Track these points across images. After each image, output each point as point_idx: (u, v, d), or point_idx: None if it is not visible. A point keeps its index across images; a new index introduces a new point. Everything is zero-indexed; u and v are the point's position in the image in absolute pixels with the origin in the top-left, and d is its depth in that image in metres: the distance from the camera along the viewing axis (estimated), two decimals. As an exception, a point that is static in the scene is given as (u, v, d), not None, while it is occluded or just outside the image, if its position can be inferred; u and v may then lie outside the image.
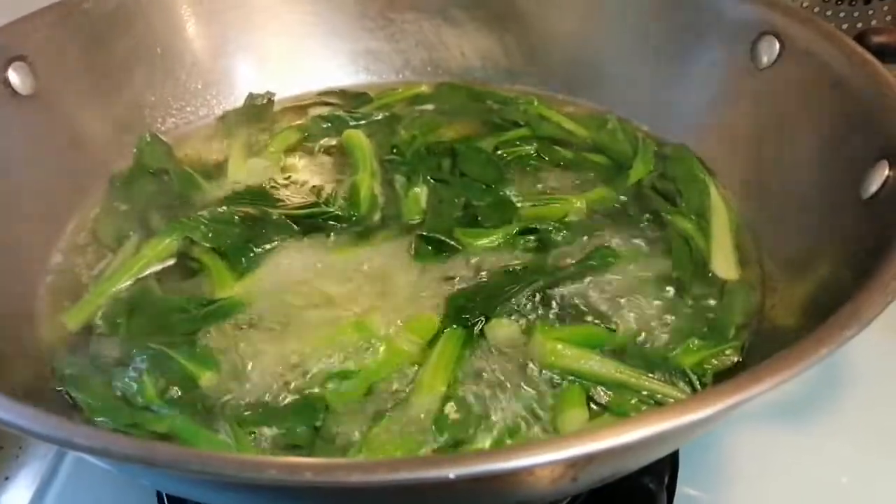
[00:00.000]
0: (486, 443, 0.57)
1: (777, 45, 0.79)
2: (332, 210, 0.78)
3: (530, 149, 0.89)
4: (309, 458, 0.52)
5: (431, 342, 0.64)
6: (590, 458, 0.39)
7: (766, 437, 0.77)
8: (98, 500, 0.75)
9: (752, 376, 0.41)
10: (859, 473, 0.76)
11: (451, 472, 0.36)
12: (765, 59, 0.80)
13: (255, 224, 0.76)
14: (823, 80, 0.73)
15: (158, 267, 0.73)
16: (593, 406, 0.60)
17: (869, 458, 0.77)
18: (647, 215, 0.78)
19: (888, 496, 0.74)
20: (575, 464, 0.39)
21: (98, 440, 0.39)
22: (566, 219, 0.78)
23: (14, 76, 0.77)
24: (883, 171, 0.62)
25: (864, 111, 0.67)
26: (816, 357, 0.43)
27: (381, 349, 0.63)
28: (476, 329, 0.65)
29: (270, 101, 0.98)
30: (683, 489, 0.73)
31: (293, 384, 0.61)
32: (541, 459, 0.37)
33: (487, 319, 0.65)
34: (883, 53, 0.76)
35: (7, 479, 0.78)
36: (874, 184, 0.62)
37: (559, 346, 0.62)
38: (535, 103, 0.97)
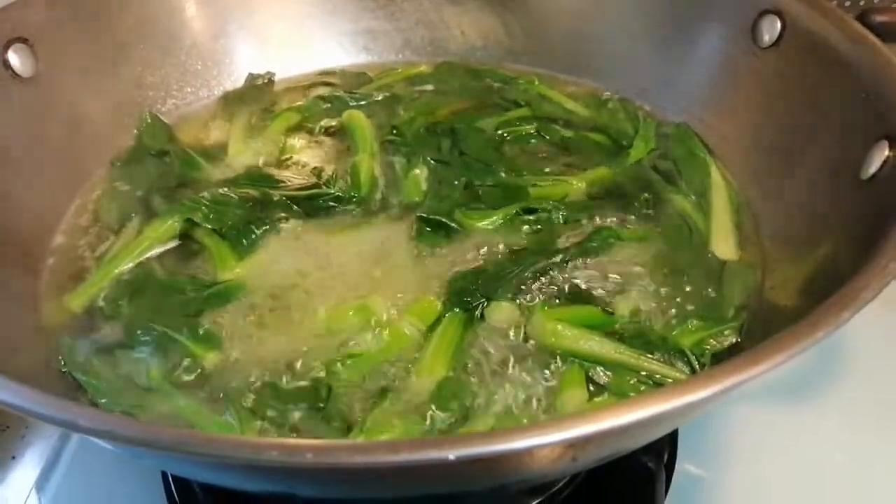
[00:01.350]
0: (486, 423, 0.58)
1: (778, 24, 0.78)
2: (332, 191, 0.78)
3: (530, 128, 0.89)
4: (310, 440, 0.52)
5: (433, 325, 0.64)
6: (589, 439, 0.39)
7: (765, 416, 0.78)
8: (103, 479, 0.76)
9: (749, 358, 0.42)
10: (856, 451, 0.77)
11: (451, 454, 0.37)
12: (766, 38, 0.80)
13: (256, 206, 0.76)
14: (825, 59, 0.73)
15: (160, 249, 0.74)
16: (592, 386, 0.60)
17: (865, 437, 0.78)
18: (647, 195, 0.78)
19: (883, 474, 0.75)
20: (574, 444, 0.40)
21: (102, 422, 0.39)
22: (566, 199, 0.78)
23: (14, 58, 0.77)
24: (883, 152, 0.62)
25: (865, 91, 0.67)
26: (813, 339, 0.44)
27: (384, 333, 0.63)
28: (477, 312, 0.65)
29: (271, 82, 0.98)
30: (683, 466, 0.74)
31: (296, 366, 0.62)
32: (540, 441, 0.38)
33: (488, 302, 0.65)
34: (885, 32, 0.75)
35: (13, 458, 0.79)
36: (874, 164, 0.62)
37: (559, 327, 0.62)
38: (536, 83, 0.97)
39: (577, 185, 0.80)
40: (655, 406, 0.40)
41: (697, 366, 0.61)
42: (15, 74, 0.77)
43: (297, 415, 0.58)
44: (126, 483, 0.75)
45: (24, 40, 0.78)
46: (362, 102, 0.93)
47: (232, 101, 0.94)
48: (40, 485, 0.77)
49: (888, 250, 0.50)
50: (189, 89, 0.95)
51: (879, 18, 0.77)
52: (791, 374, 0.82)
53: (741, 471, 0.75)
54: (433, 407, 0.58)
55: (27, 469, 0.78)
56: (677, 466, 0.73)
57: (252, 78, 0.97)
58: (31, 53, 0.78)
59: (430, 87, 0.97)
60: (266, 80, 0.97)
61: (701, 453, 0.76)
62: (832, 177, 0.68)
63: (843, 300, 0.46)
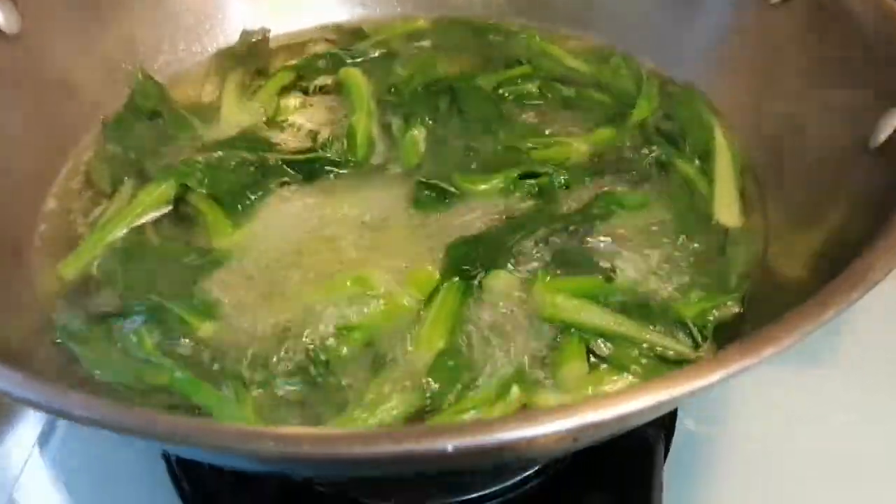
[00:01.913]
0: (485, 396, 0.57)
1: (789, -21, 0.76)
2: (328, 155, 0.76)
3: (532, 87, 0.87)
4: (307, 429, 0.52)
5: (431, 296, 0.63)
6: (590, 427, 0.38)
7: (767, 373, 0.77)
8: (105, 434, 0.76)
9: (753, 343, 0.41)
10: (859, 410, 0.77)
11: (450, 445, 0.36)
12: (776, -6, 0.78)
13: (251, 170, 0.75)
14: (835, 20, 0.71)
15: (154, 214, 0.72)
16: (593, 358, 0.60)
17: (869, 397, 0.78)
18: (650, 159, 0.76)
19: (886, 435, 0.75)
20: (574, 433, 0.39)
21: (95, 410, 0.39)
22: (568, 162, 0.77)
23: (-1, 15, 0.74)
24: (892, 120, 0.60)
25: (876, 56, 0.65)
26: (820, 321, 0.43)
27: (381, 304, 0.63)
28: (475, 281, 0.64)
29: (265, 38, 0.95)
30: (683, 423, 0.74)
31: (292, 338, 0.61)
32: (540, 431, 0.37)
33: (486, 271, 0.64)
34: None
35: (15, 415, 0.79)
36: (883, 132, 0.61)
37: (559, 299, 0.61)
38: (537, 38, 0.94)
39: (579, 148, 0.78)
40: (658, 394, 0.39)
41: (699, 337, 0.60)
42: (0, 32, 0.74)
43: (293, 388, 0.58)
44: (127, 443, 0.75)
45: (7, -5, 0.75)
46: (359, 60, 0.91)
47: (225, 59, 0.92)
48: (42, 441, 0.77)
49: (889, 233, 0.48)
50: (182, 46, 0.92)
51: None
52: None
53: (742, 428, 0.75)
54: (431, 379, 0.58)
55: (29, 426, 0.78)
56: (678, 424, 0.73)
57: (246, 34, 0.94)
58: (15, 9, 0.75)
59: (428, 44, 0.95)
60: (261, 37, 0.95)
61: (702, 410, 0.76)
62: (840, 144, 0.66)
63: (851, 279, 0.45)
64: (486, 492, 0.65)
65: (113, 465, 0.74)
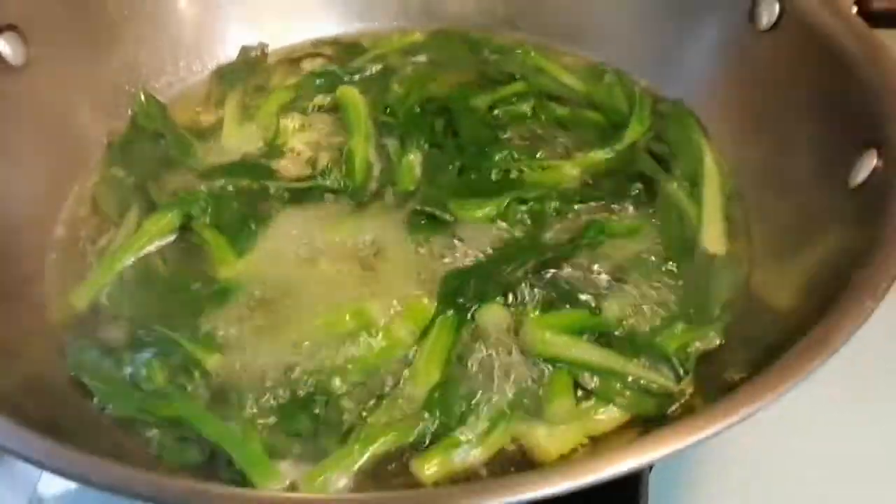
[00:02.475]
0: (478, 428, 0.60)
1: (777, 7, 0.78)
2: (327, 183, 0.79)
3: (526, 107, 0.88)
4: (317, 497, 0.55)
5: (426, 328, 0.66)
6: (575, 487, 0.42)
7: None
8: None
9: (711, 416, 0.44)
10: (847, 415, 0.79)
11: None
12: (765, 21, 0.79)
13: (253, 198, 0.77)
14: (822, 50, 0.72)
15: (160, 243, 0.75)
16: (580, 391, 0.63)
17: (857, 400, 0.79)
18: (640, 183, 0.78)
19: (877, 437, 0.77)
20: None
21: (105, 475, 0.42)
22: (560, 186, 0.79)
23: (5, 46, 0.76)
24: (871, 161, 0.62)
25: (859, 90, 0.67)
26: (772, 396, 0.46)
27: (380, 338, 0.65)
28: (468, 314, 0.67)
29: (264, 54, 0.97)
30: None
31: (294, 372, 0.64)
32: (530, 495, 0.40)
33: (479, 304, 0.67)
34: (884, 19, 0.75)
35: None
36: (862, 172, 0.63)
37: (548, 335, 0.64)
38: (532, 54, 0.96)
39: (571, 172, 0.80)
40: (644, 456, 0.42)
41: (682, 371, 0.63)
42: (7, 64, 0.76)
43: (297, 422, 0.61)
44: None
45: (13, 27, 0.77)
46: (356, 76, 0.93)
47: (225, 77, 0.94)
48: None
49: (866, 284, 0.51)
50: (182, 63, 0.94)
51: (878, 4, 0.76)
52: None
53: (735, 428, 0.77)
54: (426, 413, 0.61)
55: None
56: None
57: (245, 50, 0.96)
58: (21, 41, 0.77)
59: (424, 59, 0.96)
60: (259, 52, 0.97)
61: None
62: (821, 177, 0.68)
63: (817, 344, 0.47)
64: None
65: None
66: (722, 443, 0.75)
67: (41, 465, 0.44)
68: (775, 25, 0.78)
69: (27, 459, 0.44)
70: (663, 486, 0.71)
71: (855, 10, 0.74)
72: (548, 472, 0.41)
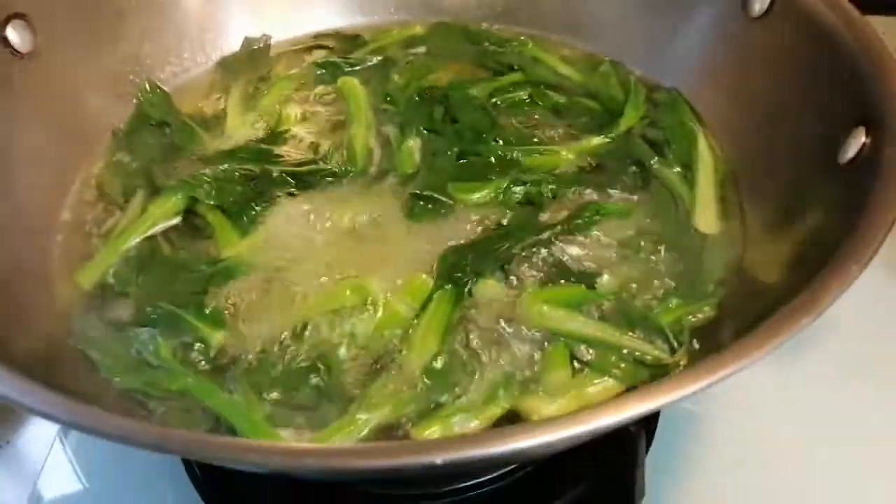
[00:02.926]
0: (476, 397, 0.62)
1: (769, -6, 0.79)
2: (329, 167, 0.80)
3: (524, 94, 0.90)
4: (310, 446, 0.56)
5: (425, 302, 0.67)
6: (566, 441, 0.43)
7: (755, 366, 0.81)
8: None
9: (709, 366, 0.45)
10: (842, 395, 0.81)
11: (439, 458, 0.41)
12: (757, 8, 0.81)
13: (256, 182, 0.79)
14: (812, 34, 0.73)
15: (165, 225, 0.76)
16: (576, 364, 0.64)
17: (853, 383, 0.82)
18: (635, 167, 0.80)
19: (868, 426, 0.79)
20: (553, 444, 0.44)
21: (117, 427, 0.43)
22: (556, 170, 0.81)
23: (13, 34, 0.78)
24: (860, 138, 0.63)
25: (848, 73, 0.68)
26: (758, 356, 0.47)
27: (380, 311, 0.67)
28: (466, 288, 0.68)
29: (267, 45, 0.99)
30: (667, 420, 0.77)
31: (297, 345, 0.65)
32: (521, 444, 0.42)
33: (476, 279, 0.69)
34: (873, 5, 0.76)
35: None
36: (851, 149, 0.64)
37: (545, 308, 0.66)
38: (530, 45, 0.98)
39: (567, 156, 0.82)
40: (625, 411, 0.43)
41: (675, 343, 0.64)
42: (14, 51, 0.78)
43: (299, 394, 0.62)
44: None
45: (21, 16, 0.78)
46: (357, 67, 0.95)
47: (229, 68, 0.96)
48: (63, 435, 0.82)
49: (851, 250, 0.52)
50: (186, 55, 0.96)
51: (869, -11, 0.77)
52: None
53: (730, 406, 0.79)
54: (425, 382, 0.62)
55: (48, 422, 0.82)
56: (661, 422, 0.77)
57: (248, 42, 0.98)
58: (29, 29, 0.79)
59: (423, 50, 0.98)
60: (262, 44, 0.98)
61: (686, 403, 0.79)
62: (812, 156, 0.70)
63: (802, 307, 0.49)
64: (472, 482, 0.70)
65: (132, 458, 0.78)
66: (718, 427, 0.78)
67: (56, 420, 0.45)
68: (767, 12, 0.80)
69: (42, 414, 0.45)
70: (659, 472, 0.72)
71: (845, -5, 0.75)
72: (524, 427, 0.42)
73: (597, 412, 0.42)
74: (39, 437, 0.83)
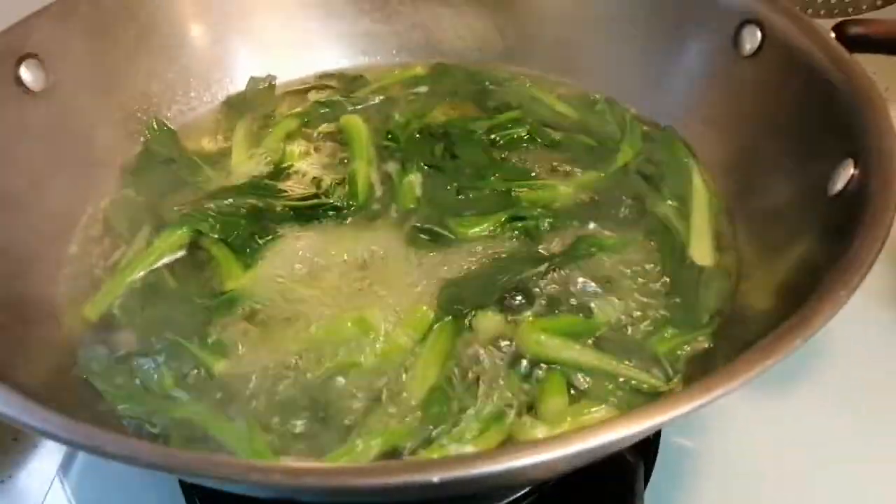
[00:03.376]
0: (474, 428, 0.62)
1: (759, 34, 0.82)
2: (331, 201, 0.82)
3: (522, 131, 0.92)
4: (309, 465, 0.57)
5: (425, 335, 0.68)
6: (565, 460, 0.44)
7: (752, 392, 0.82)
8: (123, 469, 0.80)
9: (702, 387, 0.46)
10: (837, 432, 0.81)
11: (436, 477, 0.41)
12: (748, 47, 0.83)
13: (259, 216, 0.80)
14: (801, 72, 0.76)
15: (170, 258, 0.78)
16: (573, 391, 0.65)
17: (847, 418, 0.82)
18: (631, 201, 0.82)
19: (867, 454, 0.79)
20: (552, 463, 0.44)
21: (120, 447, 0.44)
22: (554, 204, 0.82)
23: (26, 73, 0.80)
24: (849, 170, 0.65)
25: (836, 108, 0.70)
26: (744, 379, 0.48)
27: (380, 342, 0.68)
28: (466, 320, 0.69)
29: (272, 85, 1.01)
30: (671, 437, 0.78)
31: (298, 375, 0.67)
32: (517, 464, 0.42)
33: (476, 311, 0.70)
34: (860, 44, 0.79)
35: (35, 446, 0.84)
36: (840, 181, 0.65)
37: (542, 337, 0.67)
38: (528, 84, 1.00)
39: (565, 191, 0.84)
40: (621, 430, 0.44)
41: (671, 372, 0.65)
42: (27, 90, 0.80)
43: (300, 422, 0.63)
44: (145, 473, 0.79)
45: (34, 55, 0.81)
46: (359, 106, 0.97)
47: (234, 106, 0.98)
48: (63, 471, 0.81)
49: (840, 276, 0.53)
50: (193, 94, 0.98)
51: (854, 30, 0.80)
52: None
53: (729, 442, 0.79)
54: (425, 412, 0.63)
55: (50, 456, 0.83)
56: (665, 438, 0.77)
57: (254, 82, 1.01)
58: (41, 68, 0.82)
59: (424, 90, 1.01)
60: (267, 84, 1.01)
61: (687, 425, 0.80)
62: (803, 188, 0.71)
63: (793, 330, 0.50)
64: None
65: (132, 494, 0.79)
66: (715, 462, 0.78)
67: (62, 440, 0.46)
68: (758, 51, 0.82)
69: (49, 435, 0.46)
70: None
71: (832, 35, 0.77)
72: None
73: (595, 430, 0.43)
74: (40, 472, 0.83)
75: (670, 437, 0.78)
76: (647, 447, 0.76)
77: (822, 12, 1.08)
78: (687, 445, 0.79)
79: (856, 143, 0.66)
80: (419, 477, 0.42)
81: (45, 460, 0.83)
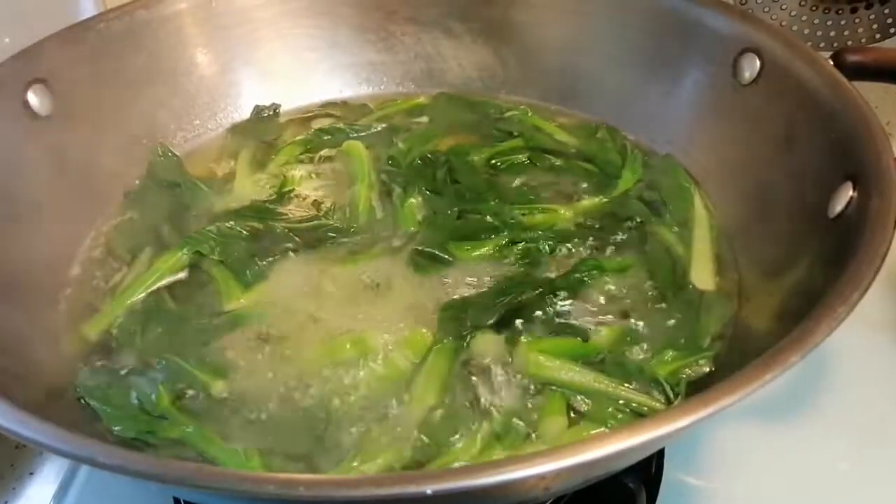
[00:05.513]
0: (472, 449, 0.62)
1: (758, 63, 0.82)
2: (331, 223, 0.83)
3: (523, 157, 0.93)
4: (303, 475, 0.57)
5: (424, 357, 0.68)
6: (556, 474, 0.43)
7: (755, 426, 0.82)
8: (119, 495, 0.80)
9: (705, 399, 0.46)
10: (843, 461, 0.80)
11: (429, 489, 0.41)
12: (747, 75, 0.84)
13: (259, 238, 0.81)
14: (800, 98, 0.76)
15: (171, 279, 0.78)
16: (572, 413, 0.64)
17: (853, 447, 0.81)
18: (631, 225, 0.82)
19: (872, 481, 0.79)
20: (544, 477, 0.44)
21: (113, 457, 0.44)
22: (554, 228, 0.82)
23: (34, 98, 0.81)
24: (848, 192, 0.65)
25: (834, 132, 0.71)
26: (745, 392, 0.47)
27: (379, 364, 0.68)
28: (465, 342, 0.69)
29: (276, 114, 1.02)
30: (673, 475, 0.77)
31: (296, 396, 0.66)
32: (508, 476, 0.42)
33: (475, 333, 0.69)
34: (858, 72, 0.79)
35: (31, 474, 0.83)
36: (840, 203, 0.66)
37: (541, 358, 0.67)
38: (529, 114, 1.01)
39: (565, 215, 0.84)
40: (617, 444, 0.44)
41: (672, 395, 0.65)
42: (34, 114, 0.81)
43: (297, 443, 0.63)
44: (140, 500, 0.79)
45: (42, 80, 0.82)
46: (362, 134, 0.98)
47: (239, 134, 0.99)
48: (58, 500, 0.81)
49: (836, 298, 0.53)
50: (198, 122, 1.00)
51: (853, 58, 0.80)
52: (779, 388, 0.85)
53: (733, 479, 0.78)
54: (421, 435, 0.63)
55: (45, 485, 0.82)
56: (668, 475, 0.76)
57: (258, 110, 1.02)
58: (48, 93, 0.83)
59: (426, 119, 1.02)
60: (272, 112, 1.02)
61: (691, 462, 0.79)
62: (804, 212, 0.71)
63: (792, 346, 0.49)
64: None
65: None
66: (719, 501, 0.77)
67: (60, 452, 0.46)
68: (756, 79, 0.83)
69: (47, 447, 0.46)
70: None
71: (830, 63, 0.78)
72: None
73: (590, 443, 0.43)
74: (36, 499, 0.82)
75: (675, 475, 0.77)
76: (649, 476, 0.75)
77: (822, 45, 1.09)
78: (691, 483, 0.78)
79: (855, 166, 0.66)
80: (412, 489, 0.41)
81: (41, 487, 0.82)
